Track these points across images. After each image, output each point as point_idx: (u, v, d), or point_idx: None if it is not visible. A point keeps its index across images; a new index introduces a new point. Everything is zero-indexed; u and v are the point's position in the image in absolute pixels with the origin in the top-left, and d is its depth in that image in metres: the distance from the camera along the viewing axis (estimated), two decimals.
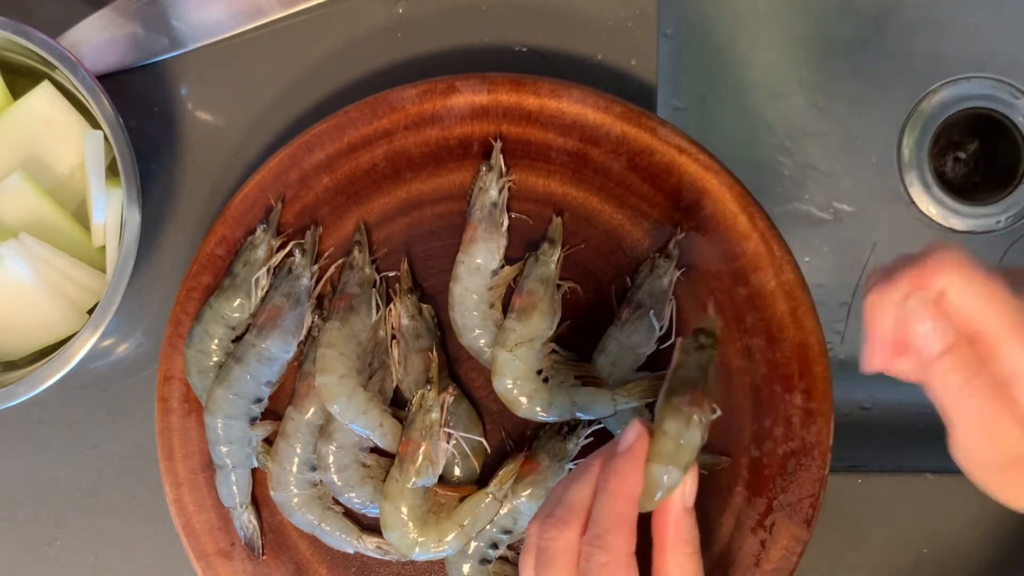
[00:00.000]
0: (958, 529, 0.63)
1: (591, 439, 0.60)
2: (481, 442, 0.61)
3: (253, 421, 0.61)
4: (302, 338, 0.61)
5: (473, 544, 0.60)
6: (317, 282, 0.62)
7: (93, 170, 0.60)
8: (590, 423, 0.60)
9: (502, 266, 0.61)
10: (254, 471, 0.62)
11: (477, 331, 0.61)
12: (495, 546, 0.60)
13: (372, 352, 0.61)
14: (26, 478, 0.67)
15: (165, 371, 0.62)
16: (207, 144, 0.66)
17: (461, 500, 0.60)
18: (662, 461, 0.45)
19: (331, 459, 0.60)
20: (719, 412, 0.46)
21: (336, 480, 0.60)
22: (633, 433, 0.45)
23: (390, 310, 0.62)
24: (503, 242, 0.61)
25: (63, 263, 0.60)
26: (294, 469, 0.60)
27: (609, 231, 0.61)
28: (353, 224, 0.62)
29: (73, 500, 0.67)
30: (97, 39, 0.65)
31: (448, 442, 0.59)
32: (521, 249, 0.62)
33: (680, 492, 0.45)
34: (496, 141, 0.61)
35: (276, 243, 0.62)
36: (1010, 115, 0.86)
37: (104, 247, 0.61)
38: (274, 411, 0.62)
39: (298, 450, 0.60)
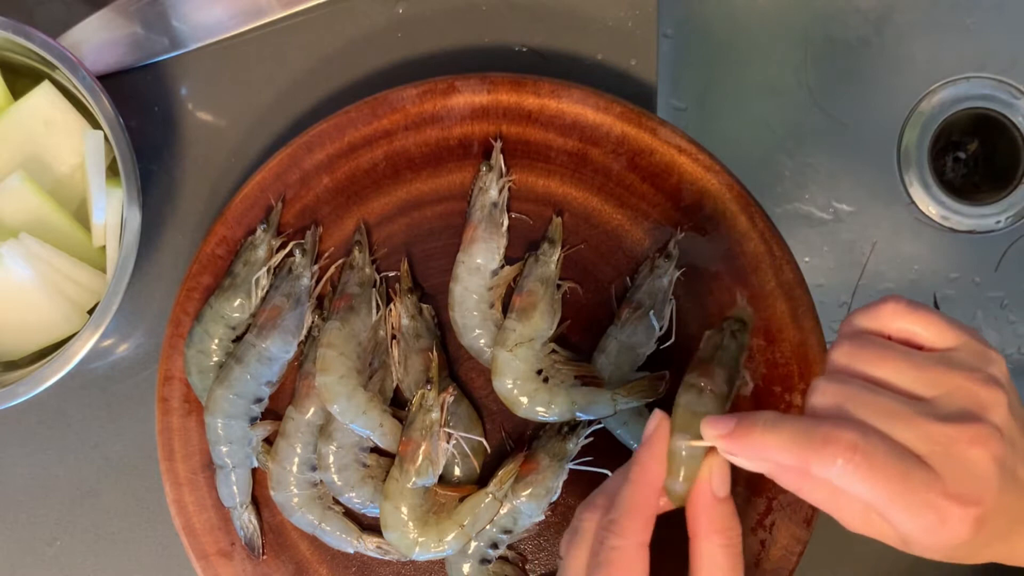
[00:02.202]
0: None
1: (591, 439, 0.60)
2: (481, 442, 0.61)
3: (253, 421, 0.61)
4: (302, 338, 0.61)
5: (473, 544, 0.60)
6: (317, 282, 0.62)
7: (93, 170, 0.60)
8: (590, 423, 0.59)
9: (502, 266, 0.61)
10: (254, 471, 0.62)
11: (477, 331, 0.61)
12: (495, 546, 0.60)
13: (372, 352, 0.61)
14: (26, 478, 0.67)
15: (165, 371, 0.62)
16: (207, 144, 0.66)
17: (461, 500, 0.60)
18: (679, 430, 0.46)
19: (331, 459, 0.60)
20: (750, 383, 0.49)
21: (336, 480, 0.60)
22: (653, 423, 0.46)
23: (390, 310, 0.62)
24: (503, 242, 0.61)
25: (63, 263, 0.60)
26: (294, 469, 0.60)
27: (609, 231, 0.61)
28: (353, 224, 0.62)
29: (73, 500, 0.67)
30: (97, 39, 0.65)
31: (448, 442, 0.59)
32: (521, 249, 0.62)
33: (707, 479, 0.45)
34: (496, 141, 0.61)
35: (276, 243, 0.62)
36: (1010, 115, 0.86)
37: (104, 247, 0.61)
38: (274, 411, 0.62)
39: (298, 450, 0.60)
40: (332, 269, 0.62)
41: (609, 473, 0.56)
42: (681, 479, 0.45)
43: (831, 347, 0.44)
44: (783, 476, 0.42)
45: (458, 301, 0.61)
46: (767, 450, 0.41)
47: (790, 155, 0.88)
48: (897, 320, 0.43)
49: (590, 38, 0.65)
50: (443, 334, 0.62)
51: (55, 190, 0.62)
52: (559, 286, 0.61)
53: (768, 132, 0.88)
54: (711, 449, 0.45)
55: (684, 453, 0.45)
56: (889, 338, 0.44)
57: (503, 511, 0.59)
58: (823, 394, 0.42)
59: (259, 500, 0.62)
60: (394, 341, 0.61)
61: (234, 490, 0.61)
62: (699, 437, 0.45)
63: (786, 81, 0.88)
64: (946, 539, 0.40)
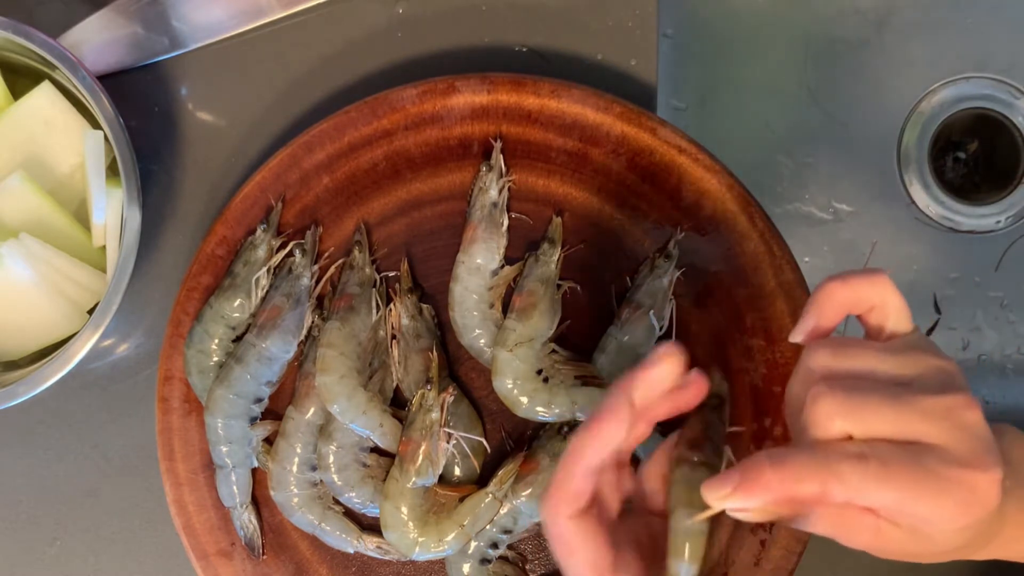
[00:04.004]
0: None
1: None
2: (481, 442, 0.61)
3: (253, 421, 0.61)
4: (302, 338, 0.61)
5: (473, 544, 0.60)
6: (317, 282, 0.62)
7: (93, 170, 0.60)
8: None
9: (502, 266, 0.61)
10: (254, 471, 0.62)
11: (477, 331, 0.61)
12: (495, 546, 0.60)
13: (372, 352, 0.61)
14: (26, 478, 0.67)
15: (165, 371, 0.62)
16: (207, 144, 0.66)
17: (461, 500, 0.60)
18: (680, 507, 0.43)
19: (331, 459, 0.60)
20: (731, 457, 0.45)
21: (336, 480, 0.60)
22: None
23: (390, 310, 0.62)
24: (503, 242, 0.61)
25: (63, 263, 0.60)
26: (294, 469, 0.60)
27: (609, 231, 0.61)
28: (353, 224, 0.62)
29: (73, 500, 0.67)
30: (97, 39, 0.65)
31: (448, 442, 0.59)
32: (521, 249, 0.62)
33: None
34: (496, 141, 0.61)
35: (276, 243, 0.62)
36: (1010, 115, 0.86)
37: (104, 247, 0.61)
38: (274, 411, 0.62)
39: (298, 450, 0.60)
40: (332, 269, 0.62)
41: None
42: (687, 558, 0.42)
43: (807, 351, 0.43)
44: (782, 512, 0.41)
45: (458, 301, 0.61)
46: (783, 486, 0.40)
47: (790, 155, 0.88)
48: (882, 293, 0.43)
49: (590, 38, 0.65)
50: (443, 334, 0.62)
51: (55, 190, 0.62)
52: (559, 286, 0.61)
53: (768, 132, 0.88)
54: (715, 519, 0.42)
55: (693, 529, 0.42)
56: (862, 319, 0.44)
57: (503, 511, 0.59)
58: (832, 400, 0.41)
59: (259, 500, 0.62)
60: (394, 341, 0.61)
61: (234, 490, 0.61)
62: (702, 509, 0.42)
63: (786, 81, 0.88)
64: (978, 511, 0.40)
